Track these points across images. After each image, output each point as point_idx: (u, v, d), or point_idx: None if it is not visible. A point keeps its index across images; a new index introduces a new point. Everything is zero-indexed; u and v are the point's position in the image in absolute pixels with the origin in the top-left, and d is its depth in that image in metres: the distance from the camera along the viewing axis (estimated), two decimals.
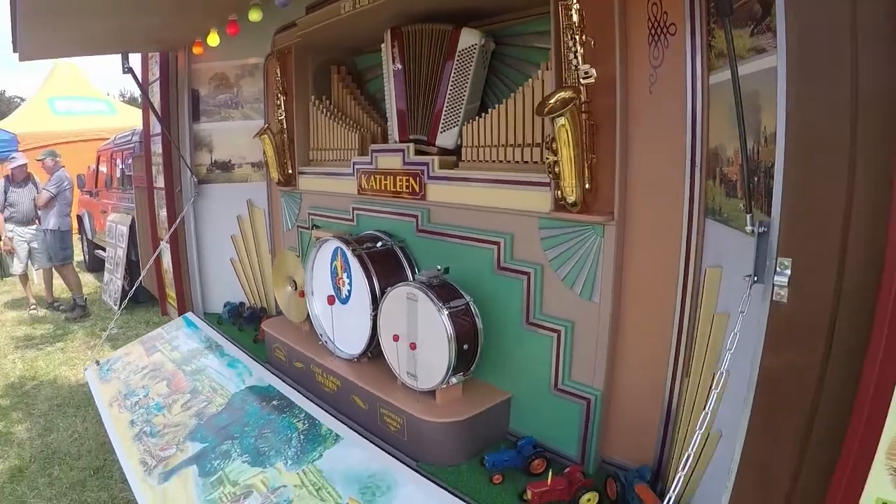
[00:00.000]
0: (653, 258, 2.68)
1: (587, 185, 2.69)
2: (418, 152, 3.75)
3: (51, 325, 9.08)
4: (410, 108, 3.83)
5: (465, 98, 3.57)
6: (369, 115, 4.49)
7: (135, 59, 5.75)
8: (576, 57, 2.55)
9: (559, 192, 2.75)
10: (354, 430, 3.41)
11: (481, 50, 3.48)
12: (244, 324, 5.57)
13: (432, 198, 3.64)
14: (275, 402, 3.83)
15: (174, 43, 5.53)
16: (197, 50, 5.23)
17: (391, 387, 3.46)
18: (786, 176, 1.57)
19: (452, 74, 3.57)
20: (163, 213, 6.22)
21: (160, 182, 6.14)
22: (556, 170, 2.68)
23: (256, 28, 4.50)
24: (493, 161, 3.34)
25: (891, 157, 1.41)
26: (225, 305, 5.91)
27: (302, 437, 3.41)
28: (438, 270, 3.29)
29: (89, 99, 18.20)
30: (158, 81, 5.82)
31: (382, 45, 3.97)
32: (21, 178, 9.34)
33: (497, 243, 3.23)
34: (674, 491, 1.80)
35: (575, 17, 2.53)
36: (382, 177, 3.95)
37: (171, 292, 6.43)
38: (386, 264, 3.67)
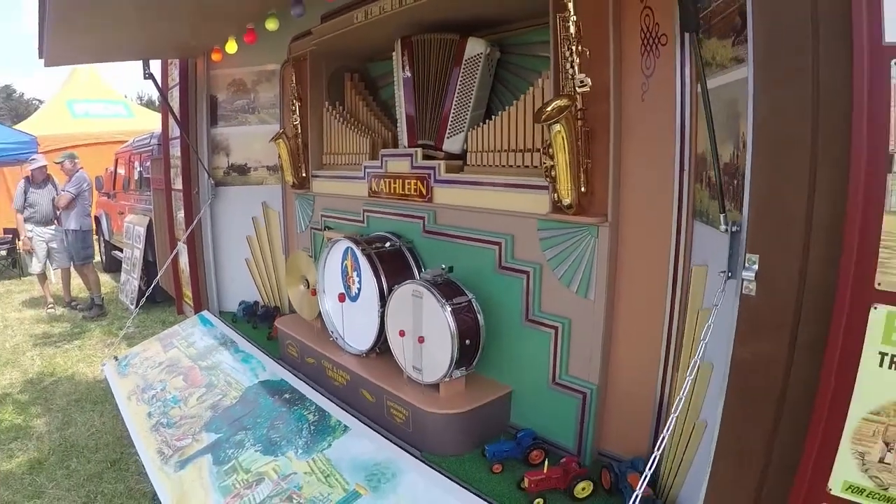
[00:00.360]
0: (644, 257, 2.79)
1: (582, 189, 2.81)
2: (426, 157, 3.88)
3: (68, 324, 9.27)
4: (419, 114, 3.96)
5: (471, 105, 3.70)
6: (381, 120, 4.63)
7: (154, 65, 5.92)
8: (572, 66, 2.68)
9: (556, 194, 2.88)
10: (362, 422, 3.55)
11: (487, 58, 3.61)
12: (258, 322, 5.72)
13: (438, 200, 3.77)
14: (286, 396, 3.99)
15: (194, 50, 5.70)
16: (216, 57, 5.40)
17: (398, 380, 3.60)
18: (753, 179, 1.71)
19: (459, 82, 3.69)
20: (180, 215, 6.39)
21: (178, 184, 6.33)
22: (553, 174, 2.81)
23: (272, 36, 4.67)
24: (497, 165, 3.46)
25: (846, 163, 1.53)
26: (240, 304, 6.07)
27: (312, 428, 3.56)
28: (443, 269, 3.43)
29: (107, 101, 18.40)
30: (178, 87, 6.01)
31: (393, 54, 4.11)
32: (41, 179, 9.57)
33: (498, 243, 3.36)
34: (650, 469, 1.93)
35: (572, 29, 2.65)
36: (392, 180, 4.09)
37: (187, 291, 6.61)
38: (394, 263, 3.82)
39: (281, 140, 5.05)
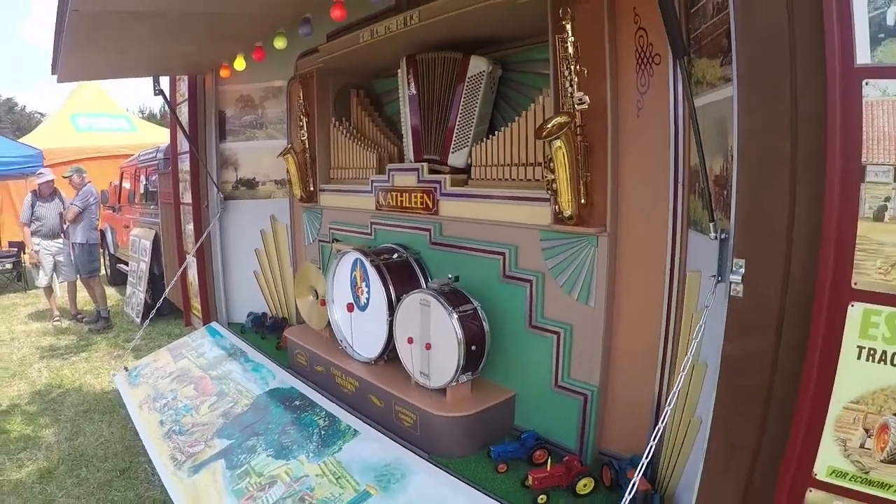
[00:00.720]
0: (642, 265, 2.92)
1: (582, 201, 2.95)
2: (432, 171, 4.01)
3: (74, 337, 9.33)
4: (424, 130, 4.10)
5: (475, 120, 3.83)
6: (386, 135, 4.77)
7: (162, 81, 6.06)
8: (571, 85, 2.83)
9: (557, 206, 3.01)
10: (371, 426, 3.67)
11: (489, 76, 3.74)
12: (266, 333, 5.83)
13: (444, 213, 3.90)
14: (297, 402, 4.11)
15: (203, 67, 5.84)
16: (224, 73, 5.53)
17: (405, 386, 3.73)
18: (739, 190, 1.85)
19: (463, 99, 3.83)
20: (189, 228, 6.52)
21: (187, 198, 6.45)
22: (555, 187, 2.95)
23: (279, 53, 4.79)
24: (500, 179, 3.59)
25: (823, 174, 1.67)
26: (248, 315, 6.18)
27: (322, 432, 3.68)
28: (449, 279, 3.57)
29: (111, 116, 18.48)
30: (187, 102, 6.14)
31: (398, 71, 4.24)
32: (48, 193, 9.67)
33: (503, 254, 3.50)
34: (646, 459, 2.06)
35: (570, 49, 2.80)
36: (398, 193, 4.22)
37: (195, 303, 6.71)
38: (401, 274, 3.95)
39: (289, 155, 5.18)
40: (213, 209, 6.20)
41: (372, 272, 3.96)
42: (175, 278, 6.72)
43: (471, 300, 3.47)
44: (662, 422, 2.13)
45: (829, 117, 1.65)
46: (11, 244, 14.59)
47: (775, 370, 1.86)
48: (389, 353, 4.01)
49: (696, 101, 2.49)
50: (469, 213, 3.73)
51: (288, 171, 5.38)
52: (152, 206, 9.92)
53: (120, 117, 18.94)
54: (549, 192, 3.06)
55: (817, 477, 1.83)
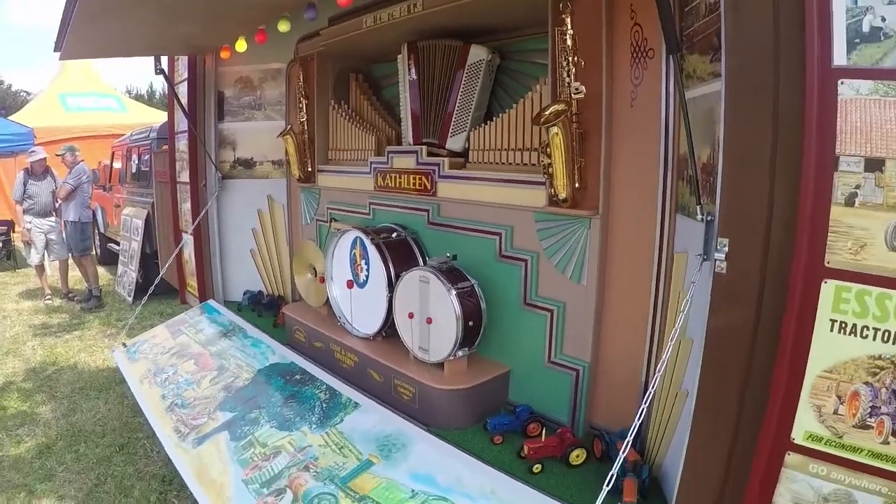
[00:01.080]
0: (632, 246, 3.07)
1: (576, 185, 3.11)
2: (430, 154, 4.15)
3: (66, 315, 9.40)
4: (424, 114, 4.24)
5: (473, 106, 3.97)
6: (384, 119, 4.90)
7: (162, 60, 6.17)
8: (568, 75, 2.98)
9: (552, 190, 3.17)
10: (371, 400, 3.83)
11: (488, 64, 3.89)
12: (263, 311, 5.96)
13: (442, 194, 4.05)
14: (297, 377, 4.27)
15: (203, 47, 5.93)
16: (224, 55, 5.62)
17: (404, 361, 3.90)
18: (724, 176, 2.02)
19: (462, 85, 3.97)
20: (186, 206, 6.62)
21: (184, 177, 6.54)
22: (550, 171, 3.11)
23: (279, 36, 4.90)
24: (497, 163, 3.74)
25: (799, 161, 1.84)
26: (245, 293, 6.31)
27: (324, 405, 3.84)
28: (448, 257, 3.73)
29: (100, 95, 18.47)
30: (186, 82, 6.22)
31: (399, 57, 4.39)
32: (40, 171, 9.71)
33: (499, 234, 3.66)
34: (636, 427, 2.24)
35: (569, 41, 2.96)
36: (397, 175, 4.36)
37: (191, 282, 6.81)
38: (400, 252, 4.11)
39: (289, 136, 5.29)
40: (211, 188, 6.30)
41: (372, 250, 4.12)
42: (172, 257, 6.85)
43: (468, 278, 3.64)
44: (650, 393, 2.31)
45: (807, 112, 1.80)
46: (0, 222, 14.58)
47: (756, 340, 2.01)
48: (388, 330, 4.17)
49: (687, 94, 2.64)
50: (467, 194, 3.87)
51: (287, 152, 5.48)
52: (145, 186, 9.96)
53: (109, 96, 18.93)
54: (545, 175, 3.21)
55: (795, 441, 1.97)
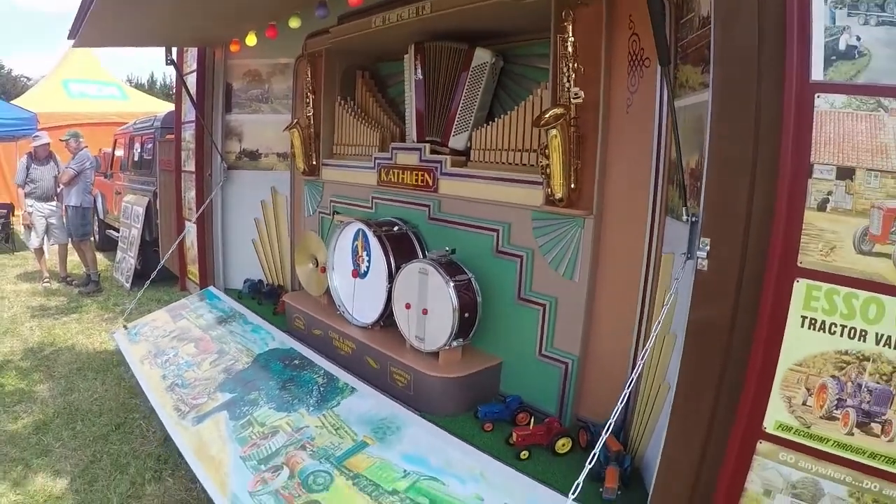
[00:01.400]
0: (623, 246, 3.22)
1: (572, 185, 3.25)
2: (433, 151, 4.29)
3: (64, 298, 9.54)
4: (428, 113, 4.38)
5: (476, 107, 4.12)
6: (389, 116, 5.04)
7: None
8: (568, 80, 3.14)
9: (549, 189, 3.32)
10: (367, 385, 3.98)
11: (492, 67, 4.03)
12: (263, 299, 6.09)
13: (443, 191, 4.20)
14: (296, 361, 4.42)
15: (214, 40, 6.06)
16: (234, 48, 5.77)
17: (400, 349, 4.05)
18: (707, 180, 2.17)
19: (466, 86, 4.11)
20: (190, 195, 6.75)
21: (189, 166, 6.68)
22: (548, 171, 3.26)
23: (287, 32, 5.08)
24: (497, 162, 3.89)
25: (777, 171, 1.99)
26: (245, 282, 6.46)
27: (321, 388, 4.00)
28: (447, 251, 3.88)
29: (102, 83, 18.63)
30: (195, 73, 6.35)
31: (405, 57, 4.53)
32: (43, 156, 9.86)
33: (496, 230, 3.80)
34: (615, 415, 2.39)
35: (570, 48, 3.11)
36: (400, 171, 4.51)
37: (192, 269, 6.94)
38: (401, 245, 4.25)
39: (295, 129, 5.43)
40: (216, 178, 6.44)
41: (374, 242, 4.26)
42: (175, 244, 6.98)
43: (466, 271, 3.78)
44: (629, 382, 2.47)
45: (785, 123, 1.94)
46: (0, 205, 14.68)
47: (732, 334, 2.13)
48: (386, 319, 4.31)
49: (679, 102, 2.80)
50: (467, 192, 4.02)
51: (292, 145, 5.62)
52: (146, 174, 10.08)
53: (111, 84, 19.09)
54: (543, 175, 3.35)
55: (766, 430, 2.08)
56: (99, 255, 11.47)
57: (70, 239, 10.14)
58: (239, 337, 5.05)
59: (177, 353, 5.05)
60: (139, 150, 10.69)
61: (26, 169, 9.82)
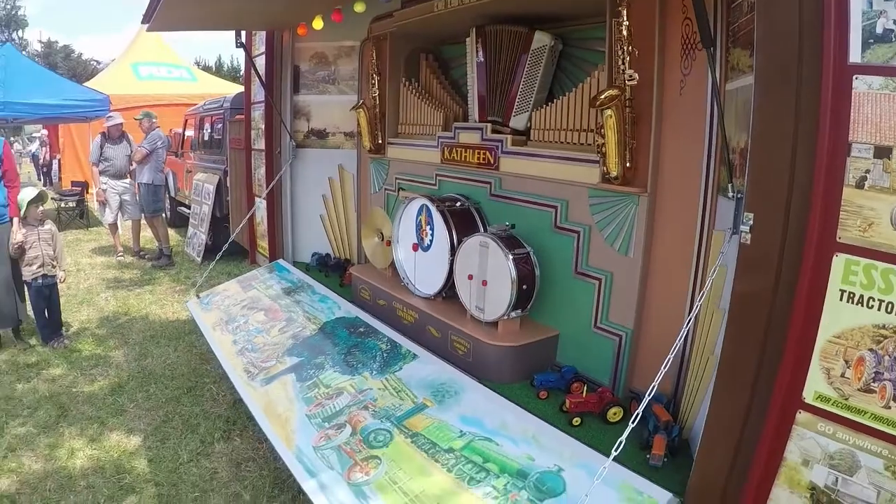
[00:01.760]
0: (676, 223, 3.32)
1: (627, 164, 3.38)
2: (494, 131, 4.44)
3: (138, 271, 9.95)
4: (489, 94, 4.52)
5: (536, 88, 4.25)
6: (452, 97, 5.21)
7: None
8: (623, 63, 3.25)
9: (605, 168, 3.45)
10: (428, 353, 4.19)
11: (551, 50, 4.15)
12: (330, 272, 6.35)
13: (504, 169, 4.35)
14: (361, 329, 4.65)
15: (282, 24, 6.31)
16: (301, 32, 5.98)
17: (461, 318, 4.24)
18: (752, 158, 2.29)
19: (526, 69, 4.24)
20: (260, 172, 7.03)
21: (259, 144, 6.97)
22: (604, 150, 3.39)
23: (354, 15, 5.27)
24: (556, 142, 4.01)
25: (817, 149, 2.08)
26: (313, 255, 6.74)
27: (385, 354, 4.22)
28: (507, 226, 4.04)
29: (172, 65, 19.10)
30: (263, 56, 6.61)
31: (467, 40, 4.67)
32: (117, 135, 10.24)
33: (555, 207, 3.94)
34: (656, 383, 2.54)
35: (624, 32, 3.22)
36: (463, 149, 4.67)
37: (262, 243, 7.25)
38: (463, 220, 4.43)
39: (361, 109, 5.65)
40: (285, 156, 6.70)
41: (437, 217, 4.45)
42: (245, 219, 7.27)
43: (525, 245, 3.93)
44: (675, 349, 2.62)
45: (823, 103, 2.03)
46: (74, 184, 15.24)
47: (774, 306, 2.21)
48: (448, 291, 4.51)
49: (730, 85, 2.91)
50: (527, 170, 4.16)
51: (358, 124, 5.84)
52: (216, 153, 10.41)
53: (181, 67, 19.57)
54: (599, 154, 3.49)
55: (806, 400, 2.13)
56: (170, 231, 11.85)
57: (143, 215, 10.55)
58: (307, 306, 5.30)
59: (247, 320, 5.33)
60: (209, 130, 11.03)
61: (100, 148, 10.21)
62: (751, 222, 2.29)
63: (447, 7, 4.55)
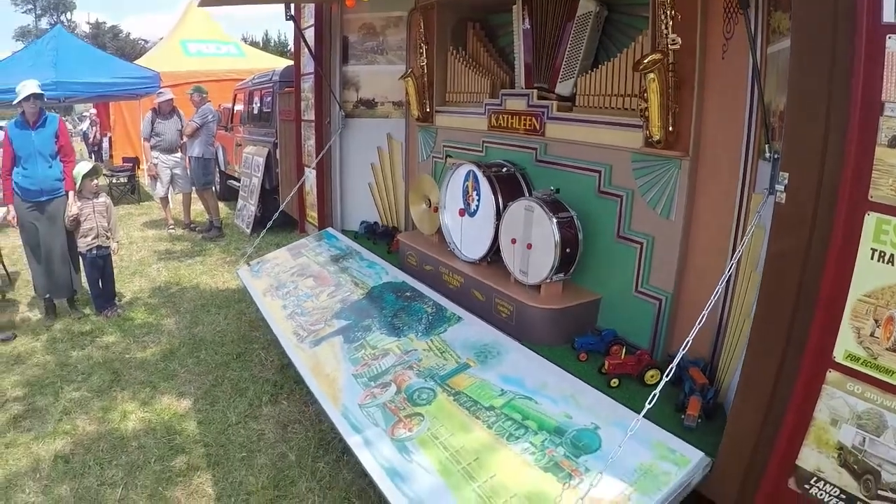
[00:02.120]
0: (717, 187, 3.40)
1: (670, 128, 3.46)
2: (540, 97, 4.53)
3: (188, 243, 10.31)
4: (535, 61, 4.64)
5: (581, 55, 4.33)
6: (499, 64, 5.31)
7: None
8: (666, 27, 3.34)
9: (648, 132, 3.55)
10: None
11: (596, 16, 4.22)
12: (378, 239, 6.53)
13: (549, 135, 4.45)
14: (408, 294, 4.82)
15: None
16: (350, 3, 6.06)
17: (505, 282, 4.38)
18: (788, 118, 2.38)
19: (571, 35, 4.33)
20: (310, 143, 7.21)
21: (309, 115, 7.14)
22: (647, 114, 3.49)
23: None
24: (601, 107, 4.10)
25: (850, 109, 2.16)
26: (361, 223, 6.92)
27: (430, 317, 4.38)
28: (552, 190, 4.16)
29: (220, 42, 19.49)
30: (313, 28, 6.76)
31: (514, 7, 4.78)
32: (167, 110, 10.55)
33: (598, 172, 4.04)
34: (686, 344, 2.65)
35: None
36: (509, 116, 4.78)
37: (311, 212, 7.46)
38: (509, 185, 4.54)
39: (409, 78, 5.79)
40: (335, 126, 6.87)
41: (483, 182, 4.58)
42: (295, 189, 7.47)
43: (569, 209, 4.03)
44: (709, 305, 2.74)
45: (856, 63, 2.11)
46: (126, 160, 15.65)
47: (807, 264, 2.30)
48: (493, 256, 4.64)
49: (772, 48, 2.98)
50: (572, 135, 4.26)
51: (407, 93, 5.99)
52: (266, 126, 10.63)
53: (229, 44, 19.97)
54: (642, 119, 3.58)
55: (836, 360, 2.21)
56: (220, 204, 12.19)
57: (193, 188, 10.86)
58: (355, 272, 5.49)
59: (296, 286, 5.54)
60: (258, 104, 11.25)
61: (151, 123, 10.54)
62: (786, 181, 2.37)
63: None
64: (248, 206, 10.60)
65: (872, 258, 2.11)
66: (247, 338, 6.25)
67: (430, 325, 4.29)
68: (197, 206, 11.62)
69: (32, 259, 6.70)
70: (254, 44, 38.21)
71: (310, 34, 6.81)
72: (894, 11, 2.04)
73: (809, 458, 2.35)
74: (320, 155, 6.84)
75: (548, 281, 4.08)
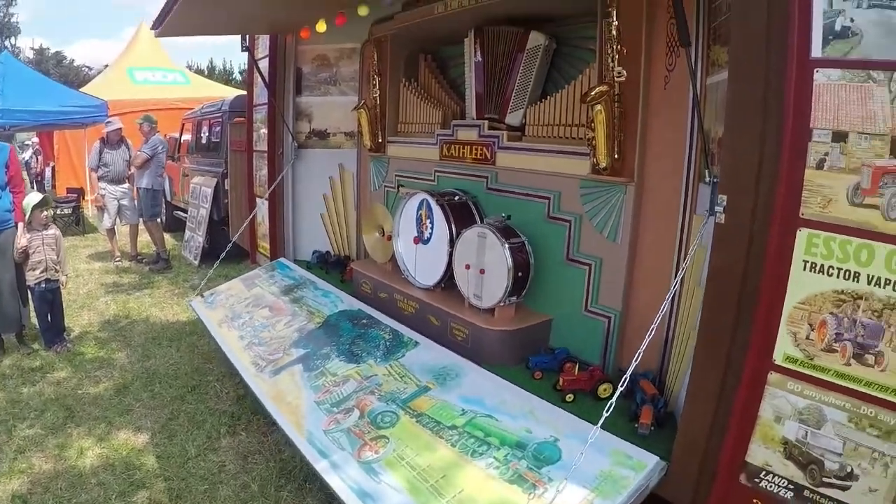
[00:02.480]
0: (661, 209, 3.58)
1: (616, 156, 3.63)
2: (491, 128, 4.69)
3: (136, 275, 10.14)
4: (486, 92, 4.80)
5: (530, 86, 4.51)
6: (450, 96, 5.48)
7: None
8: (612, 61, 3.52)
9: (595, 160, 3.71)
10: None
11: (545, 49, 4.41)
12: (330, 269, 6.61)
13: (500, 163, 4.61)
14: (364, 321, 4.93)
15: (285, 27, 6.59)
16: (304, 35, 6.25)
17: (460, 307, 4.50)
18: (725, 144, 2.60)
19: (521, 67, 4.51)
20: (262, 173, 7.30)
21: (261, 146, 7.24)
22: (594, 143, 3.65)
23: (355, 18, 5.53)
24: (549, 136, 4.28)
25: (782, 135, 2.35)
26: (314, 253, 7.00)
27: (387, 343, 4.50)
28: (503, 217, 4.31)
29: (166, 70, 19.35)
30: (267, 59, 6.88)
31: (466, 40, 4.95)
32: (115, 140, 10.42)
33: (548, 198, 4.20)
34: (637, 357, 2.83)
35: (614, 31, 3.49)
36: (461, 146, 4.93)
37: (263, 243, 7.51)
38: (461, 212, 4.69)
39: (362, 109, 5.92)
40: (287, 156, 6.97)
41: (437, 210, 4.71)
42: (247, 220, 7.53)
43: (520, 235, 4.19)
44: (656, 322, 2.91)
45: (787, 94, 2.31)
46: (70, 190, 15.39)
47: (746, 277, 2.50)
48: (447, 281, 4.77)
49: (711, 79, 3.20)
50: (521, 164, 4.42)
51: (359, 124, 6.09)
52: (214, 156, 10.62)
53: (175, 71, 19.85)
54: (589, 147, 3.75)
55: (776, 362, 2.41)
56: (167, 235, 12.07)
57: (141, 219, 10.78)
58: (310, 301, 5.58)
59: (252, 316, 5.60)
60: (207, 133, 11.27)
61: (99, 153, 10.41)
62: (724, 203, 2.58)
63: (447, 9, 4.82)
64: (196, 237, 10.58)
65: (805, 269, 2.33)
66: (201, 370, 6.20)
67: (388, 350, 4.40)
68: (143, 238, 11.50)
69: None
70: (199, 71, 37.93)
71: (264, 65, 6.93)
72: (821, 48, 2.26)
73: (757, 453, 2.53)
74: (273, 185, 6.94)
75: (501, 304, 4.22)
